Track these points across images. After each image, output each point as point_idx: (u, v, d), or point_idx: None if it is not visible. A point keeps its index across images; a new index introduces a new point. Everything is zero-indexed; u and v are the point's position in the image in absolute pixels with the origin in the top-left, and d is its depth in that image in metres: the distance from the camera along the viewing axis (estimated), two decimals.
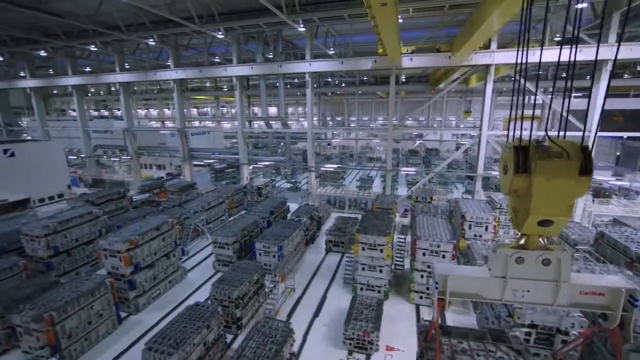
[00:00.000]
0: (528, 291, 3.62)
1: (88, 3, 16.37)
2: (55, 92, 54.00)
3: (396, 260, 12.60)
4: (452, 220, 14.62)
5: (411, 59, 17.07)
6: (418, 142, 41.25)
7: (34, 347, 7.81)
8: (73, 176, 27.06)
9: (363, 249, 10.40)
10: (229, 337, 9.02)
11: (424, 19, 18.43)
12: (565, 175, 3.02)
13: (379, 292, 10.59)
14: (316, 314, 10.09)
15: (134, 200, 18.82)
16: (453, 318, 9.63)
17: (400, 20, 16.81)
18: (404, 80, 37.11)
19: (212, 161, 28.49)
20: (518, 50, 3.85)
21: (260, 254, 11.88)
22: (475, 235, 12.38)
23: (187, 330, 7.22)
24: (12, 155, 19.39)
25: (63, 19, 16.43)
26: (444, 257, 9.85)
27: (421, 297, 10.34)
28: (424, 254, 9.99)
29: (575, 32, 3.74)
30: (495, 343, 4.61)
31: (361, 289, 10.70)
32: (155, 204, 19.29)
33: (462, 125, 48.48)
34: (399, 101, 42.82)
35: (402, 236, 13.43)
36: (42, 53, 23.81)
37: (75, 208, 13.56)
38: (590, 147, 3.11)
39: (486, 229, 12.28)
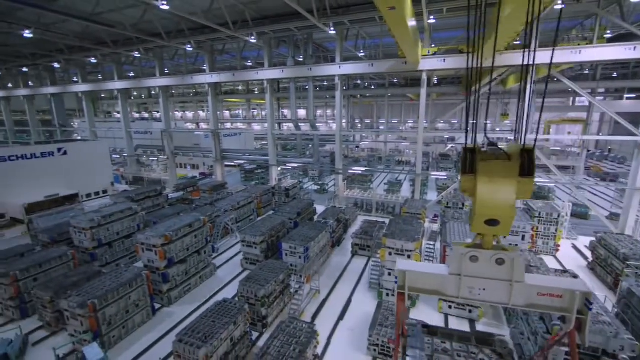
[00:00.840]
0: (484, 289, 3.65)
1: (133, 13, 17.57)
2: (102, 95, 58.35)
3: None
4: None
5: (444, 60, 16.56)
6: (450, 145, 39.86)
7: (79, 331, 8.45)
8: (116, 174, 29.00)
9: (390, 254, 10.21)
10: (255, 334, 9.21)
11: (459, 18, 17.84)
12: (506, 176, 3.11)
13: None
14: (341, 317, 10.04)
15: (169, 197, 19.84)
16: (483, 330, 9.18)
17: (433, 21, 16.46)
18: (435, 82, 36.09)
19: (242, 162, 29.33)
20: (468, 54, 3.78)
21: (286, 255, 12.03)
22: (510, 244, 11.73)
23: (215, 325, 7.47)
24: (65, 153, 21.17)
25: (112, 28, 17.74)
26: None
27: (450, 307, 9.95)
28: None
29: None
30: (479, 346, 4.52)
31: (387, 294, 10.50)
32: (189, 202, 20.18)
33: (498, 129, 46.24)
34: (430, 103, 41.65)
35: (432, 242, 13.01)
36: (93, 60, 25.84)
37: (117, 204, 14.53)
38: (532, 149, 3.16)
39: (523, 238, 11.61)
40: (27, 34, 16.74)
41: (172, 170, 27.91)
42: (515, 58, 15.50)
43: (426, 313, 10.11)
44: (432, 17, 15.90)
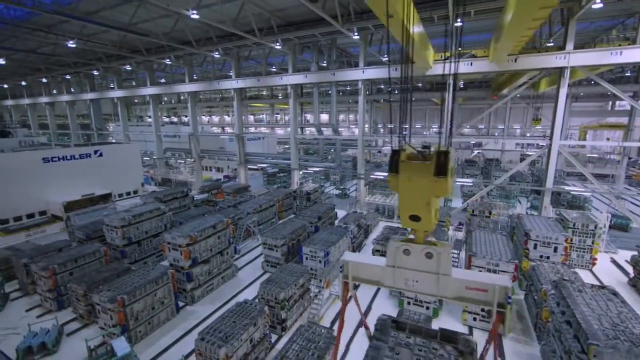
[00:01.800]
0: (417, 281, 3.95)
1: (166, 22, 18.49)
2: (135, 100, 61.48)
3: None
4: (514, 237, 13.34)
5: (471, 63, 16.13)
6: (476, 151, 38.56)
7: (108, 324, 8.87)
8: (146, 175, 30.39)
9: None
10: (274, 337, 9.27)
11: (489, 20, 17.35)
12: (422, 176, 3.38)
13: (427, 308, 10.05)
14: (360, 323, 9.90)
15: (194, 199, 20.50)
16: (513, 348, 8.74)
17: (460, 23, 16.07)
18: (462, 86, 35.15)
19: (265, 165, 29.84)
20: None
21: (306, 258, 12.06)
22: (541, 257, 11.15)
23: (236, 326, 7.59)
24: (101, 155, 22.45)
25: (146, 37, 18.75)
26: None
27: (475, 319, 9.56)
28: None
29: None
30: (442, 342, 4.62)
31: (408, 303, 10.26)
32: (213, 203, 20.75)
33: (528, 134, 44.23)
34: (456, 108, 40.60)
35: (456, 251, 12.60)
36: (128, 67, 27.37)
37: (146, 204, 15.20)
38: (448, 151, 3.43)
39: (555, 250, 10.98)
40: (71, 44, 18.03)
41: (198, 172, 28.85)
42: (548, 61, 14.82)
43: (449, 324, 9.78)
44: (459, 19, 15.55)
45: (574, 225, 12.92)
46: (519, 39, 11.45)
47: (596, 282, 12.04)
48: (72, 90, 38.64)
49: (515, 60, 15.31)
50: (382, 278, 4.19)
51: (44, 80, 36.31)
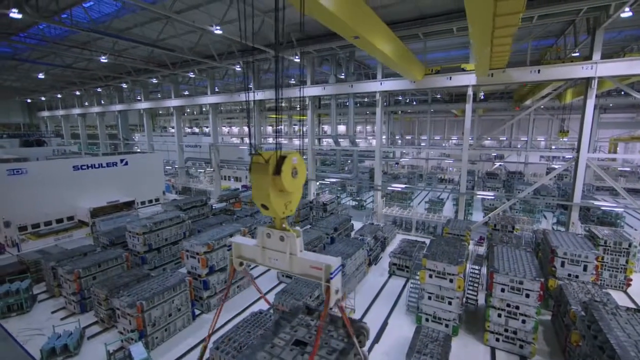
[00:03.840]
0: (276, 260, 4.85)
1: (191, 38, 19.36)
2: (160, 112, 64.09)
3: (468, 293, 11.41)
4: (540, 254, 12.73)
5: (492, 74, 15.87)
6: (498, 163, 37.44)
7: (127, 329, 9.05)
8: (167, 183, 31.31)
9: (430, 276, 9.69)
10: None
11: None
12: (263, 174, 4.32)
13: (446, 326, 9.67)
14: (376, 339, 9.64)
15: (213, 208, 20.89)
16: None
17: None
18: (482, 97, 34.53)
19: None
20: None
21: None
22: (569, 275, 10.56)
23: (250, 336, 7.56)
24: (126, 164, 23.40)
25: (172, 52, 19.66)
26: (527, 296, 8.58)
27: (498, 340, 9.11)
28: (502, 290, 8.85)
29: None
30: (338, 326, 5.17)
31: (427, 319, 9.92)
32: (231, 212, 21.07)
33: (553, 147, 42.64)
34: (476, 119, 39.80)
35: (477, 267, 12.14)
36: (154, 80, 28.67)
37: (166, 211, 15.61)
38: (285, 156, 4.35)
39: (585, 268, 10.37)
40: (104, 59, 19.15)
41: (217, 181, 29.47)
42: (574, 71, 14.37)
43: (470, 343, 9.37)
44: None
45: (605, 242, 12.21)
46: (490, 53, 11.40)
47: (631, 305, 11.25)
48: (102, 102, 40.81)
49: (539, 71, 14.94)
50: (256, 256, 5.18)
51: (77, 92, 38.56)
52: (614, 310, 7.48)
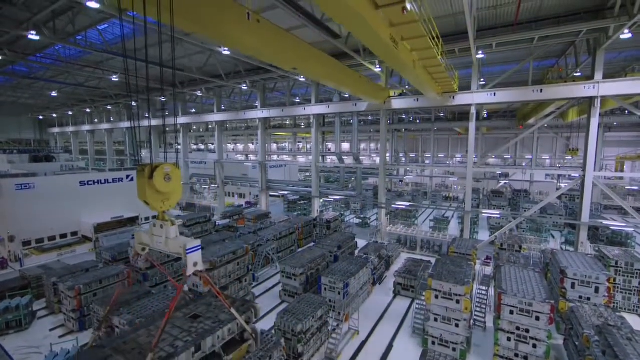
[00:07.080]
0: (160, 243, 6.65)
1: (199, 58, 19.96)
2: (167, 128, 65.23)
3: (476, 315, 11.07)
4: (549, 275, 12.42)
5: (494, 94, 16.05)
6: (503, 182, 37.17)
7: None
8: None
9: (436, 297, 9.45)
10: None
11: (512, 52, 17.45)
12: (142, 178, 6.07)
13: (454, 349, 9.33)
14: None
15: (217, 224, 20.83)
16: None
17: (482, 55, 16.26)
18: (485, 115, 34.77)
19: (286, 192, 30.17)
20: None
21: (325, 289, 11.72)
22: (581, 297, 10.24)
23: (252, 358, 7.34)
24: (132, 180, 23.62)
25: (182, 71, 20.26)
26: (537, 319, 8.29)
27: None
28: (511, 312, 8.58)
29: None
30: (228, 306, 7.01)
31: (433, 342, 9.59)
32: (234, 229, 20.95)
33: (558, 165, 42.41)
34: (480, 137, 39.93)
35: (484, 287, 11.83)
36: (162, 99, 29.39)
37: None
38: (158, 165, 6.19)
39: (596, 290, 10.06)
40: (114, 78, 19.74)
41: (221, 198, 29.55)
42: (576, 91, 14.49)
43: None
44: (480, 52, 15.73)
45: (616, 263, 11.88)
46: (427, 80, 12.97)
47: None
48: (112, 119, 41.74)
49: (541, 90, 15.09)
50: (149, 242, 6.86)
51: (88, 110, 39.56)
52: (630, 335, 7.18)
